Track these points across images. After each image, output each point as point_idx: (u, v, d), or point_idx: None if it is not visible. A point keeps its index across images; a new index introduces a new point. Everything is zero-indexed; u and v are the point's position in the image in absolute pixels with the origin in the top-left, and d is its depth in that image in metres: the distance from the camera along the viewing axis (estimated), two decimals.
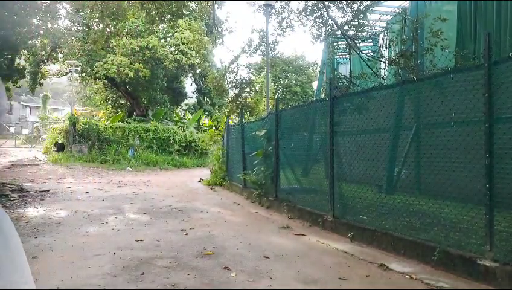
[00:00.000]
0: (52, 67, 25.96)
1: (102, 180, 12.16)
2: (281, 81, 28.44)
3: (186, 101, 30.35)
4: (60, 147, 17.99)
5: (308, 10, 9.05)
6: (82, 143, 17.80)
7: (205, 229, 5.50)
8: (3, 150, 22.12)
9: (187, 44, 20.98)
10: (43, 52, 22.41)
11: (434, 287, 3.32)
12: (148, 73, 20.32)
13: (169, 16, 11.68)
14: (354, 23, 8.90)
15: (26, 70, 24.20)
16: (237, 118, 13.13)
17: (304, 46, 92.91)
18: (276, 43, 11.92)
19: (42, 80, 25.21)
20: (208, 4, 13.90)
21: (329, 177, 5.65)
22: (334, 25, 8.56)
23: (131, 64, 19.67)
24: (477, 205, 3.64)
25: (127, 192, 9.53)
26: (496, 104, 3.40)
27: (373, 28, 10.80)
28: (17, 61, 22.66)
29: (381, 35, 10.62)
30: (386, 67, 8.41)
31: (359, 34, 9.02)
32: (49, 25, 14.82)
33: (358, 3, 8.75)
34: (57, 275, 3.49)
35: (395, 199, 4.80)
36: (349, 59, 8.39)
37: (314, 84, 21.08)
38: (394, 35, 9.06)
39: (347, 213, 5.31)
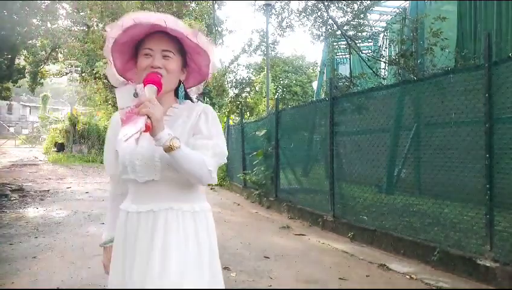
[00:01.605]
0: (52, 67, 25.94)
1: (103, 180, 12.15)
2: (281, 81, 28.40)
3: None
4: (60, 147, 18.02)
5: (308, 10, 9.06)
6: (82, 143, 17.81)
7: None
8: (3, 150, 22.16)
9: None
10: (43, 52, 22.39)
11: (434, 287, 3.32)
12: None
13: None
14: (354, 23, 8.92)
15: (26, 70, 24.17)
16: (237, 118, 13.12)
17: (304, 46, 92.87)
18: (276, 43, 11.96)
19: (42, 80, 25.18)
20: (208, 4, 13.92)
21: (329, 177, 5.65)
22: (334, 25, 8.58)
23: None
24: (477, 205, 3.64)
25: None
26: (496, 104, 3.40)
27: (373, 28, 10.79)
28: (17, 61, 22.62)
29: (381, 35, 10.61)
30: (386, 67, 8.42)
31: (359, 34, 9.04)
32: (49, 25, 14.83)
33: (358, 3, 8.76)
34: (57, 275, 3.49)
35: (395, 199, 4.80)
36: (349, 59, 8.40)
37: (314, 84, 21.05)
38: (394, 35, 9.06)
39: (347, 213, 5.31)
